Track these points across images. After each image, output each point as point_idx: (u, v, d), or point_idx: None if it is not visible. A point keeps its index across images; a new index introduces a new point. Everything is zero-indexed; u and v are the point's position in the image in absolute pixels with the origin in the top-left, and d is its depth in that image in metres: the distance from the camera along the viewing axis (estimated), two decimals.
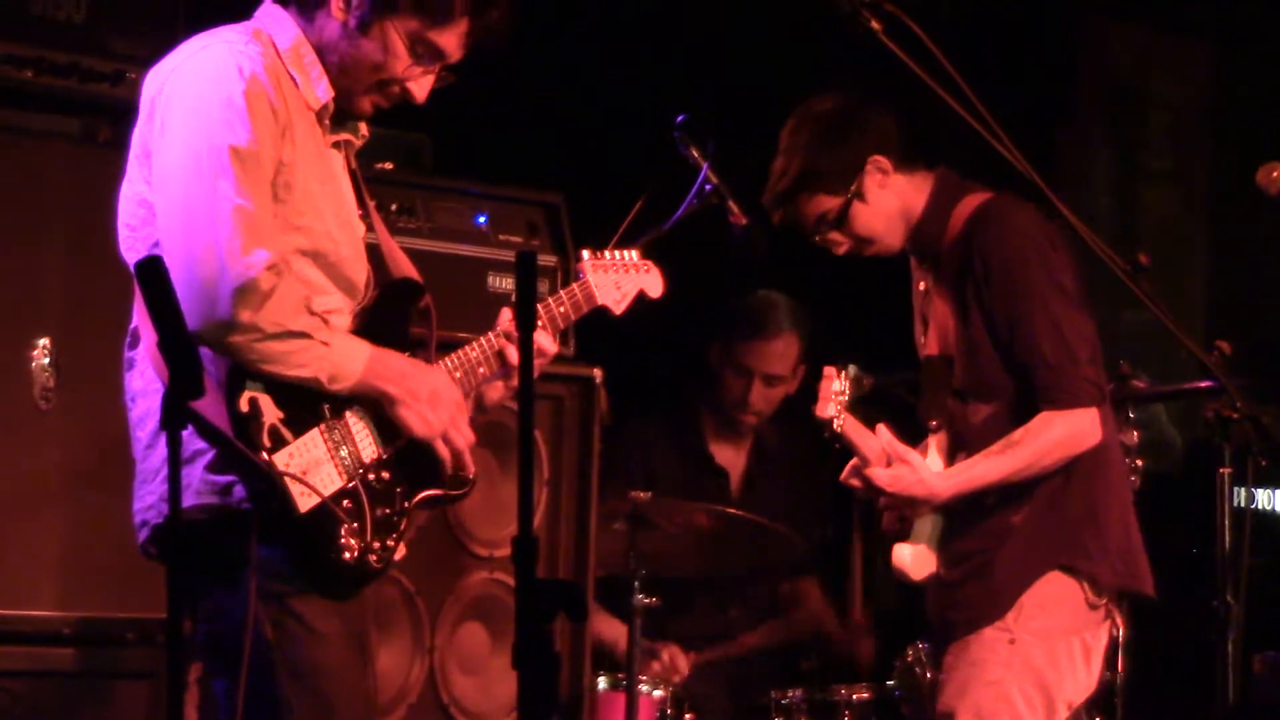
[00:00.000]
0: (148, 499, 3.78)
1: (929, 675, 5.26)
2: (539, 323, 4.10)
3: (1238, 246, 7.86)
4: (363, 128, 4.01)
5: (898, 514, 4.50)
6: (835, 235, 4.56)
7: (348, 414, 3.81)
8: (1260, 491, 6.53)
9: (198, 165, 3.67)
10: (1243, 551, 4.80)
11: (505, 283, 5.19)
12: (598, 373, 5.31)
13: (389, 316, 3.93)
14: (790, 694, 5.70)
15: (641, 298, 4.39)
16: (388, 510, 3.82)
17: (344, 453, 3.78)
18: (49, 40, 4.68)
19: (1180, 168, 8.46)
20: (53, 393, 4.63)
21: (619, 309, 4.34)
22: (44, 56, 4.67)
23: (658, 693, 5.64)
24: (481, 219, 5.22)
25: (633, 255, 4.41)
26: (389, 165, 5.09)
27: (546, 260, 5.22)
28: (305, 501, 3.69)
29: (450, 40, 3.88)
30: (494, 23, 3.91)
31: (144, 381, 3.79)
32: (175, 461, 3.21)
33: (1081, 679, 4.42)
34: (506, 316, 4.05)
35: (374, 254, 4.02)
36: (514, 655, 3.01)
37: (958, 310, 4.43)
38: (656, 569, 5.48)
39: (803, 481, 6.25)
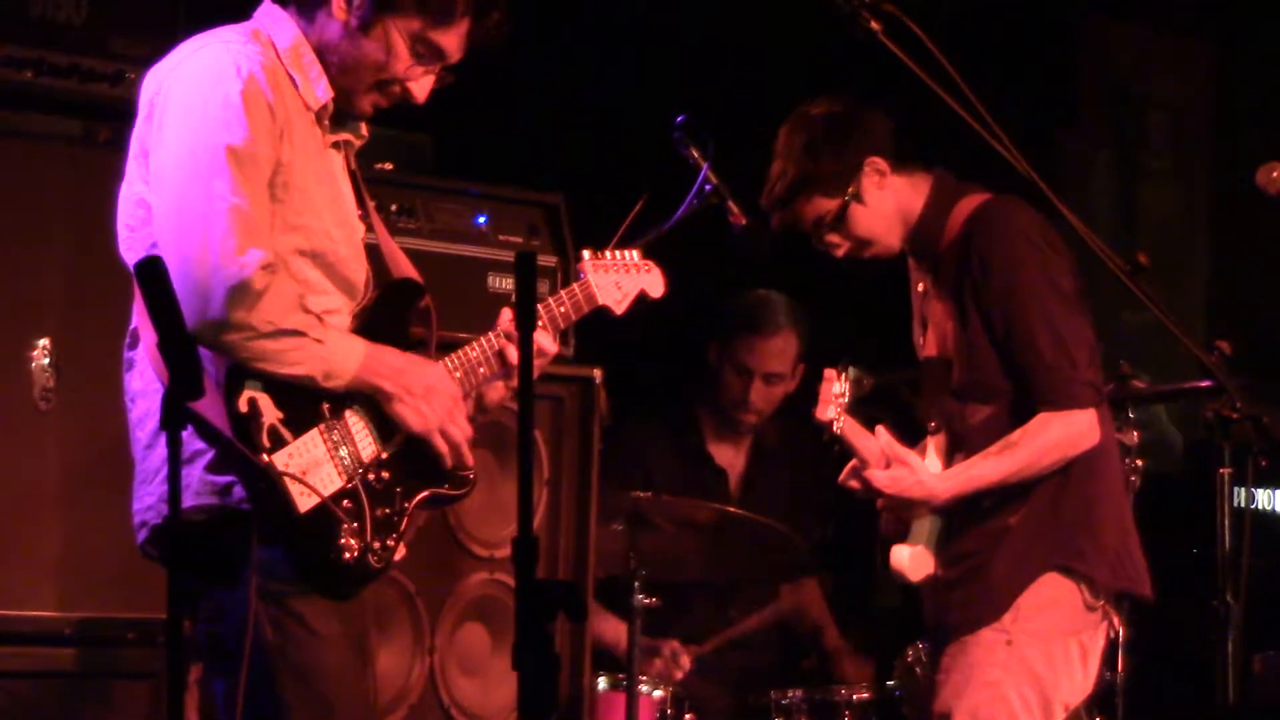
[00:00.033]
0: (147, 499, 3.78)
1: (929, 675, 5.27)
2: (539, 323, 4.11)
3: (1238, 246, 7.86)
4: (363, 128, 4.01)
5: (896, 515, 4.50)
6: (834, 238, 4.57)
7: (347, 413, 3.81)
8: (1260, 491, 6.53)
9: (194, 165, 3.68)
10: (1243, 551, 4.79)
11: (505, 283, 5.19)
12: (598, 373, 5.31)
13: (388, 316, 3.93)
14: (790, 694, 5.71)
15: (643, 298, 4.39)
16: (388, 510, 3.82)
17: (343, 452, 3.78)
18: (49, 41, 4.69)
19: (1180, 168, 8.46)
20: (52, 393, 4.63)
21: (620, 309, 4.34)
22: (44, 57, 4.68)
23: (658, 693, 5.64)
24: (481, 219, 5.22)
25: (634, 255, 4.41)
26: (389, 165, 5.09)
27: (546, 260, 5.22)
28: (305, 501, 3.69)
29: (451, 40, 3.88)
30: (494, 24, 3.92)
31: (143, 382, 3.79)
32: (175, 462, 3.22)
33: (1078, 680, 4.42)
34: (507, 316, 4.05)
35: (374, 254, 4.02)
36: (514, 656, 3.01)
37: (956, 311, 4.43)
38: (656, 569, 5.48)
39: (803, 481, 6.25)
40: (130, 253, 3.79)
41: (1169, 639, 5.71)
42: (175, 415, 3.23)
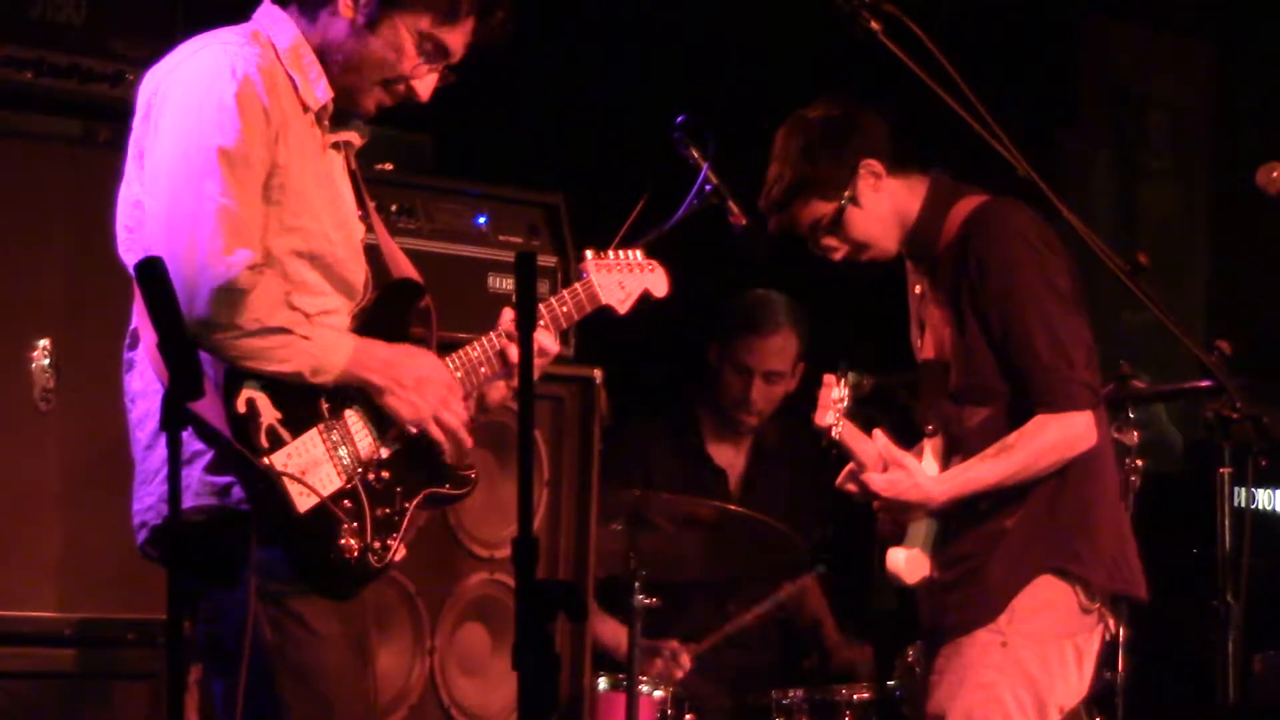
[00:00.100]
0: (147, 500, 3.79)
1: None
2: (541, 322, 4.11)
3: (1238, 246, 7.86)
4: (363, 128, 4.01)
5: (892, 518, 4.50)
6: (831, 241, 4.57)
7: (347, 413, 3.81)
8: (1260, 491, 6.53)
9: (186, 165, 3.69)
10: (1243, 551, 4.79)
11: (505, 283, 5.19)
12: (598, 373, 5.31)
13: (388, 316, 3.93)
14: (790, 694, 5.70)
15: (646, 297, 4.38)
16: (387, 510, 3.82)
17: (343, 452, 3.78)
18: (49, 42, 4.69)
19: (1180, 168, 8.46)
20: (53, 394, 4.63)
21: (623, 308, 4.34)
22: (44, 58, 4.68)
23: (658, 693, 5.64)
24: (481, 220, 5.22)
25: (637, 255, 4.40)
26: (389, 166, 5.09)
27: (546, 261, 5.22)
28: (304, 502, 3.69)
29: (457, 39, 3.89)
30: (498, 23, 3.93)
31: (143, 382, 3.80)
32: (175, 462, 3.22)
33: (1073, 683, 4.41)
34: (508, 316, 4.06)
35: (374, 255, 4.02)
36: (514, 656, 3.01)
37: (953, 313, 4.43)
38: (656, 570, 5.48)
39: (802, 482, 6.25)
40: (129, 254, 3.79)
41: (1169, 639, 5.71)
42: (175, 416, 3.23)
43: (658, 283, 4.41)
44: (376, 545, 3.78)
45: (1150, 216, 8.42)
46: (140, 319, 3.80)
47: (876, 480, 4.42)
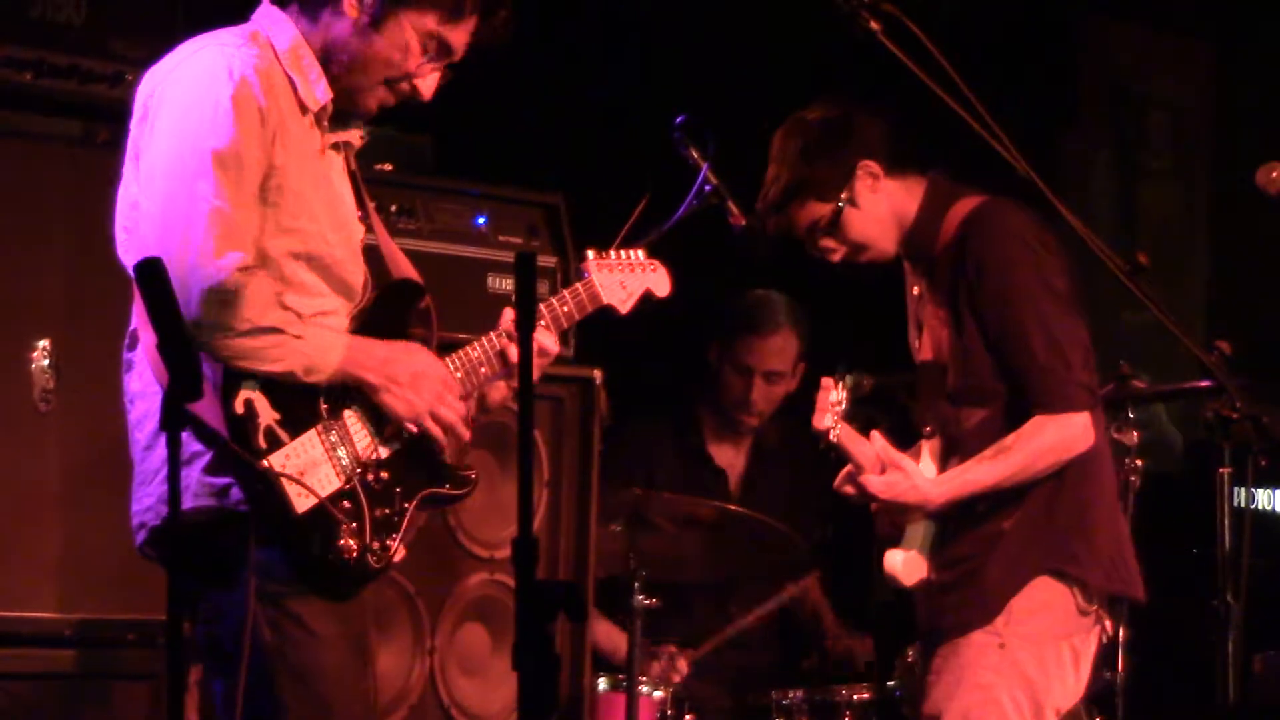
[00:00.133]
0: (145, 500, 3.79)
1: None
2: (542, 322, 4.11)
3: (1238, 246, 7.86)
4: (363, 129, 4.01)
5: (890, 519, 4.50)
6: (829, 242, 4.56)
7: (346, 413, 3.81)
8: (1260, 491, 6.53)
9: (179, 167, 3.69)
10: (1243, 551, 4.79)
11: (505, 284, 5.19)
12: (597, 373, 5.31)
13: (388, 317, 3.93)
14: (790, 694, 5.70)
15: (648, 297, 4.38)
16: (387, 510, 3.82)
17: (342, 453, 3.78)
18: (48, 42, 4.69)
19: (1180, 168, 8.46)
20: (52, 394, 4.63)
21: (625, 308, 4.33)
22: (43, 58, 4.68)
23: (658, 693, 5.64)
24: (481, 220, 5.22)
25: (639, 255, 4.39)
26: (389, 166, 5.09)
27: (546, 261, 5.22)
28: (302, 503, 3.69)
29: (460, 37, 3.90)
30: (500, 22, 3.93)
31: (142, 383, 3.80)
32: (175, 463, 3.22)
33: (1070, 685, 4.41)
34: (509, 316, 4.05)
35: (374, 255, 4.02)
36: (514, 656, 3.01)
37: (951, 314, 4.43)
38: (656, 570, 5.48)
39: (803, 482, 6.25)
40: (128, 255, 3.79)
41: (1169, 639, 5.71)
42: (175, 416, 3.23)
43: (660, 282, 4.41)
44: (376, 546, 3.78)
45: (1150, 216, 8.42)
46: (140, 319, 3.81)
47: (874, 482, 4.42)
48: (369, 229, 4.03)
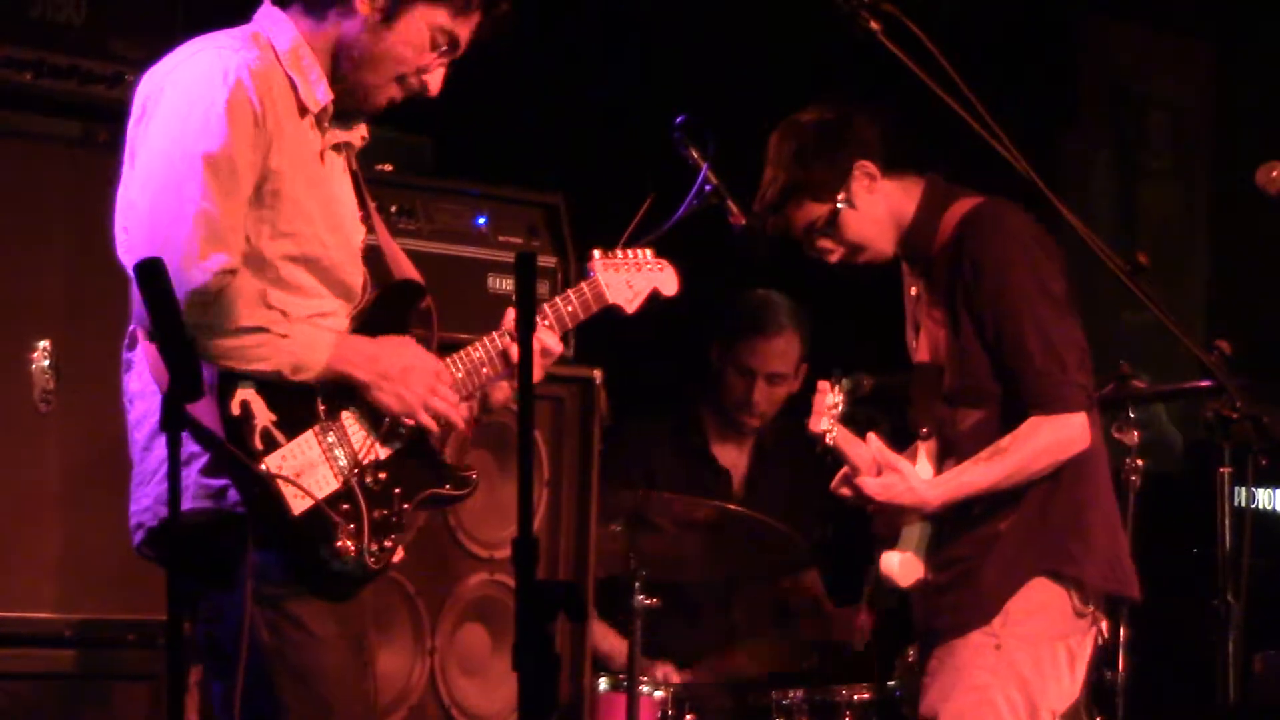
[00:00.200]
0: (143, 501, 3.79)
1: None
2: (545, 322, 4.12)
3: (1238, 246, 7.86)
4: (364, 129, 4.01)
5: (887, 521, 4.50)
6: (826, 243, 4.57)
7: (344, 415, 3.81)
8: (1260, 491, 6.53)
9: (170, 169, 3.69)
10: (1243, 551, 4.79)
11: (505, 284, 5.18)
12: (597, 373, 5.30)
13: (387, 317, 3.93)
14: (790, 694, 5.70)
15: (655, 296, 4.37)
16: (385, 511, 3.82)
17: (339, 454, 3.78)
18: (48, 42, 4.69)
19: (1180, 168, 8.46)
20: (53, 395, 4.63)
21: (631, 308, 4.32)
22: (43, 59, 4.67)
23: (658, 693, 5.64)
24: (481, 220, 5.22)
25: (647, 254, 4.38)
26: (389, 167, 5.09)
27: (546, 261, 5.22)
28: (299, 504, 3.69)
29: (466, 31, 3.91)
30: (502, 16, 3.94)
31: (141, 383, 3.80)
32: (175, 463, 3.22)
33: (1066, 686, 4.42)
34: (511, 316, 4.05)
35: (376, 256, 4.02)
36: (514, 656, 3.01)
37: (948, 315, 4.43)
38: (657, 571, 5.48)
39: (804, 481, 6.25)
40: (126, 255, 3.79)
41: (1169, 639, 5.71)
42: (175, 416, 3.22)
43: (667, 281, 4.40)
44: (374, 547, 3.77)
45: (1150, 216, 8.42)
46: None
47: (870, 484, 4.42)
48: (370, 229, 4.03)
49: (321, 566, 3.72)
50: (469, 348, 4.01)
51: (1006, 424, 4.36)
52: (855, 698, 5.66)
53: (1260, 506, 6.62)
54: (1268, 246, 7.03)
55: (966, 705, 4.35)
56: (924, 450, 4.50)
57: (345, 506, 3.76)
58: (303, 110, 3.84)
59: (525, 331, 3.09)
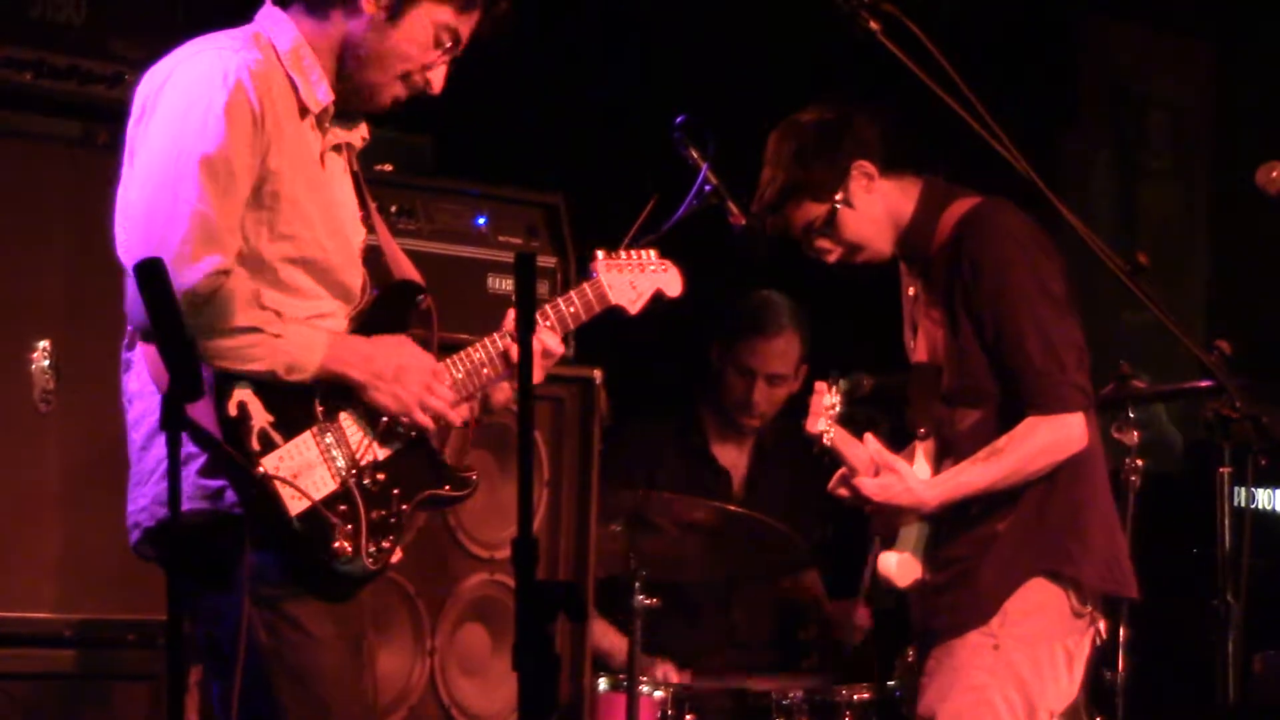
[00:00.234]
0: (140, 501, 3.79)
1: None
2: (547, 323, 4.11)
3: (1238, 246, 7.87)
4: (365, 129, 4.01)
5: (885, 521, 4.50)
6: (824, 243, 4.57)
7: (342, 416, 3.81)
8: (1260, 491, 6.53)
9: (166, 170, 3.69)
10: (1243, 551, 4.79)
11: (505, 284, 5.18)
12: (597, 373, 5.30)
13: (387, 318, 3.93)
14: (791, 694, 5.70)
15: (659, 297, 4.36)
16: (383, 512, 3.81)
17: (337, 455, 3.78)
18: (48, 42, 4.69)
19: (1180, 168, 8.46)
20: (53, 395, 4.63)
21: (634, 309, 4.31)
22: (43, 59, 4.68)
23: (658, 693, 5.64)
24: (481, 220, 5.22)
25: (651, 255, 4.36)
26: (389, 167, 5.09)
27: (546, 261, 5.22)
28: (296, 505, 3.68)
29: (467, 28, 3.91)
30: (501, 14, 3.94)
31: (140, 383, 3.80)
32: (175, 464, 3.22)
33: (1064, 686, 4.42)
34: (512, 317, 4.04)
35: (376, 256, 4.02)
36: (514, 656, 3.01)
37: (946, 315, 4.43)
38: (657, 571, 5.47)
39: (803, 481, 6.25)
40: (125, 255, 3.79)
41: (1169, 639, 5.71)
42: (175, 416, 3.22)
43: (671, 282, 4.38)
44: (372, 548, 3.77)
45: (1150, 216, 8.42)
46: None
47: (868, 484, 4.42)
48: (370, 230, 4.03)
49: (319, 567, 3.72)
50: (469, 349, 4.01)
51: (1004, 424, 4.36)
52: (855, 698, 5.66)
53: (1260, 506, 6.63)
54: (1268, 246, 7.03)
55: (964, 705, 4.35)
56: (922, 450, 4.51)
57: (343, 507, 3.76)
58: (303, 111, 3.84)
59: (525, 331, 3.09)
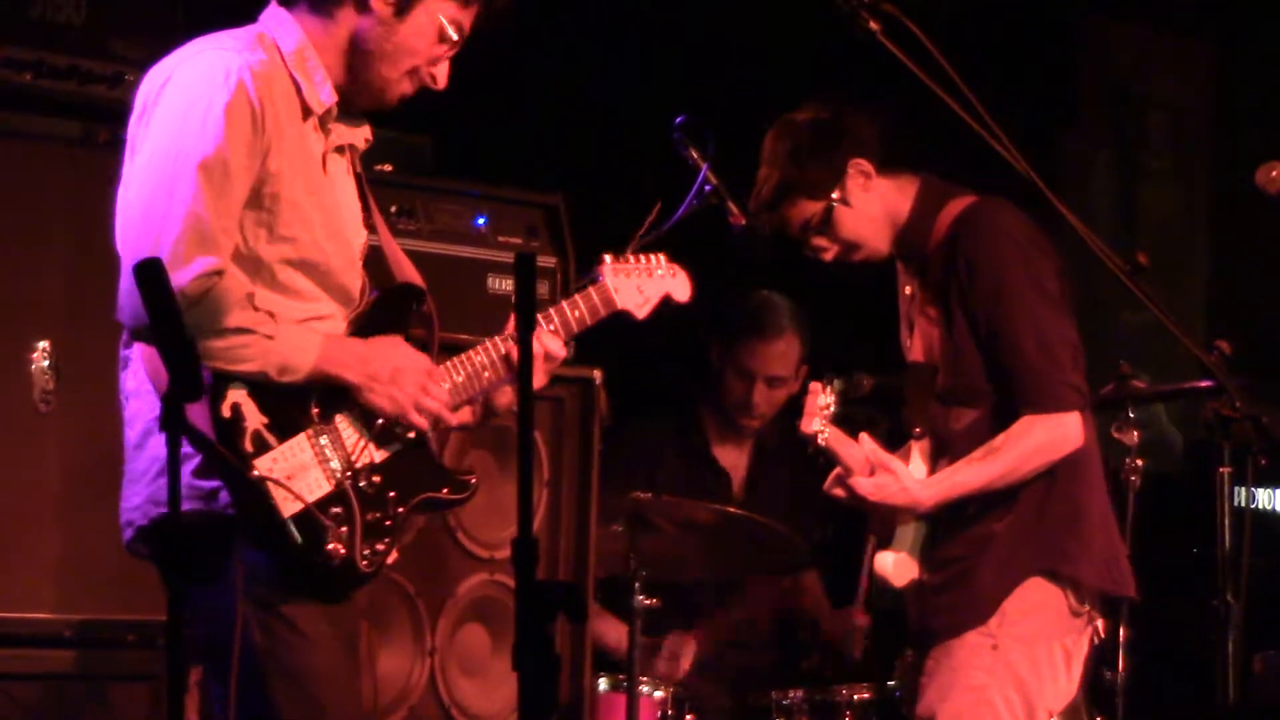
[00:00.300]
0: (133, 500, 3.78)
1: None
2: (550, 327, 4.10)
3: (1238, 246, 7.87)
4: (367, 130, 4.01)
5: (881, 521, 4.50)
6: (821, 241, 4.57)
7: (338, 418, 3.81)
8: (1260, 491, 6.53)
9: (163, 169, 3.69)
10: (1243, 551, 4.79)
11: (505, 284, 5.18)
12: (597, 374, 5.30)
13: (385, 321, 3.92)
14: (791, 694, 5.70)
15: (667, 302, 4.35)
16: (379, 514, 3.81)
17: (332, 456, 3.77)
18: (48, 42, 4.69)
19: (1180, 168, 8.47)
20: (52, 395, 4.63)
21: (641, 313, 4.29)
22: (43, 59, 4.68)
23: (658, 694, 5.64)
24: (481, 220, 5.22)
25: (660, 259, 4.33)
26: (388, 167, 5.09)
27: (546, 261, 5.21)
28: (289, 507, 3.68)
29: (469, 21, 3.91)
30: (500, 9, 3.94)
31: (137, 381, 3.79)
32: (174, 464, 3.22)
33: (1062, 686, 4.42)
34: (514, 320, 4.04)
35: (377, 258, 4.02)
36: (514, 656, 3.01)
37: (942, 314, 4.44)
38: (657, 571, 5.48)
39: (803, 482, 6.24)
40: (123, 252, 3.79)
41: (1169, 639, 5.71)
42: (175, 417, 3.22)
43: (680, 287, 4.36)
44: (366, 550, 3.77)
45: (1150, 216, 8.43)
46: None
47: (864, 484, 4.42)
48: (372, 231, 4.03)
49: (311, 569, 3.72)
50: (470, 352, 4.00)
51: (1000, 423, 4.36)
52: (855, 698, 5.67)
53: (1260, 506, 6.63)
54: (1268, 246, 7.03)
55: (964, 705, 4.35)
56: (918, 450, 4.50)
57: (337, 509, 3.75)
58: (306, 112, 3.84)
59: (525, 332, 3.09)
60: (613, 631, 5.87)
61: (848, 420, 4.50)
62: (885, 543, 4.50)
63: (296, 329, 3.77)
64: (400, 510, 3.85)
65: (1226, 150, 8.12)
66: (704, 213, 4.90)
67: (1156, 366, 6.14)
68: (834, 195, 4.52)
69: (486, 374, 4.00)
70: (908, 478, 4.41)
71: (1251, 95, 7.89)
